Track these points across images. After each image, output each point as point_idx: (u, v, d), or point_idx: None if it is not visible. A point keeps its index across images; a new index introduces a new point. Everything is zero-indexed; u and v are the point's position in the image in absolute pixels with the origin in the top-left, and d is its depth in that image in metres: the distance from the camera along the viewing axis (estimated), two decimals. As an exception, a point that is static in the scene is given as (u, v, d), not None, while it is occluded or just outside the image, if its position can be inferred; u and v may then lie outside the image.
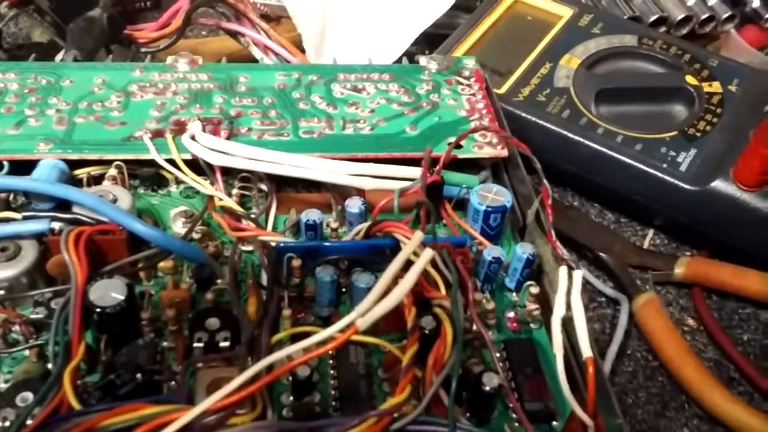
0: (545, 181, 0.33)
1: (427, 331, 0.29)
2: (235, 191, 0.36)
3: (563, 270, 0.29)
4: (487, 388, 0.28)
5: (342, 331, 0.25)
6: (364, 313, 0.25)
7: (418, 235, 0.27)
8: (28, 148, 0.35)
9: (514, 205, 0.36)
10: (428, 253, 0.27)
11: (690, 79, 0.50)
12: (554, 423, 0.29)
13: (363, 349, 0.31)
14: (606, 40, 0.53)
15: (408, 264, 0.28)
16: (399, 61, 0.52)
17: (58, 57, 0.49)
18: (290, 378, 0.29)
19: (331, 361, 0.30)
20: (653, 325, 0.42)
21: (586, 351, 0.26)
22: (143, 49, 0.53)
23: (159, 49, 0.52)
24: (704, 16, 0.60)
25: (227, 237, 0.35)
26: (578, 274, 0.28)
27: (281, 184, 0.38)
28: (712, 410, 0.39)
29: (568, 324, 0.29)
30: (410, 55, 0.48)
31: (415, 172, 0.36)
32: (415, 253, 0.29)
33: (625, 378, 0.41)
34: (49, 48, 0.53)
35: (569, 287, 0.28)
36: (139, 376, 0.27)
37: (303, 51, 0.55)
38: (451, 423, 0.26)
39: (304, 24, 0.57)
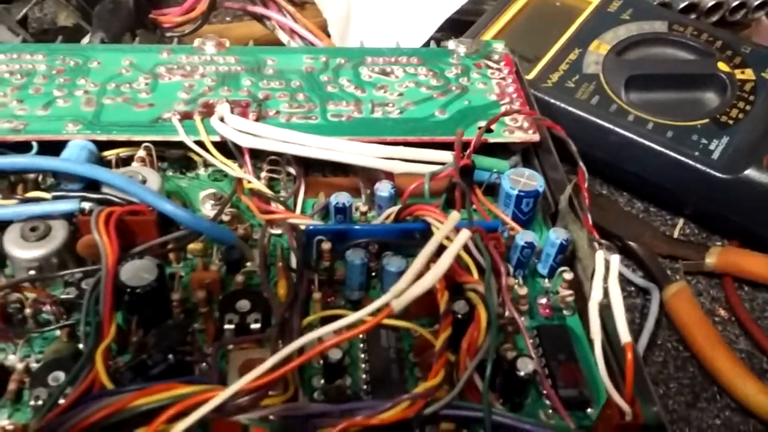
0: (581, 163, 0.33)
1: (459, 316, 0.29)
2: (263, 174, 0.36)
3: (600, 255, 0.29)
4: (522, 374, 0.27)
5: (376, 312, 0.25)
6: (399, 295, 0.24)
7: (455, 216, 0.27)
8: (57, 129, 0.35)
9: (545, 190, 0.35)
10: (465, 234, 0.26)
11: (722, 66, 0.50)
12: (588, 410, 0.29)
13: (394, 334, 0.30)
14: (636, 26, 0.53)
15: (440, 248, 0.28)
16: (426, 46, 0.52)
17: (85, 41, 0.49)
18: (321, 361, 0.29)
19: (362, 345, 0.30)
20: (684, 315, 0.41)
21: (625, 336, 0.26)
22: (168, 34, 0.53)
23: (184, 34, 0.52)
24: (735, 3, 0.59)
25: (256, 220, 0.34)
26: (615, 259, 0.28)
27: (308, 168, 0.37)
28: (745, 401, 0.38)
29: (603, 310, 0.29)
30: (435, 41, 0.47)
31: (445, 156, 0.36)
32: (448, 237, 0.28)
33: (655, 368, 0.40)
34: (74, 32, 0.53)
35: (606, 273, 0.28)
36: (170, 356, 0.27)
37: (328, 36, 0.54)
38: (486, 408, 0.26)
39: (330, 9, 0.57)
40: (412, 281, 0.25)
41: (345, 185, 0.37)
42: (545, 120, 0.36)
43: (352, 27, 0.58)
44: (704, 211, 0.47)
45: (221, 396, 0.23)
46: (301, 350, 0.26)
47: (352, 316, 0.25)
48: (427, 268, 0.26)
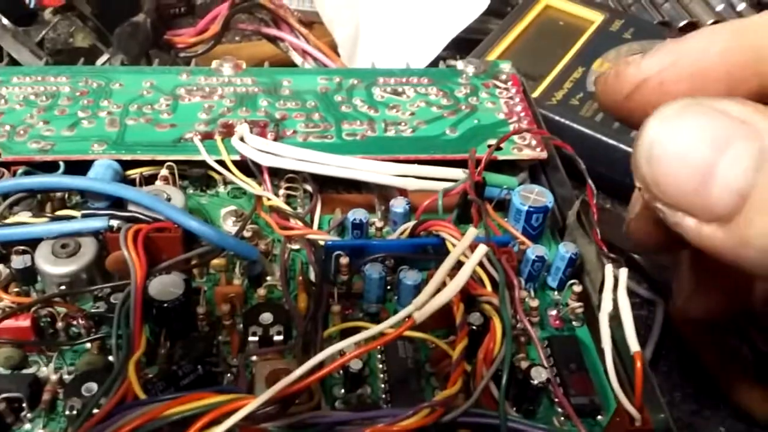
0: (590, 181, 0.34)
1: (474, 327, 0.30)
2: (281, 192, 0.37)
3: (609, 268, 0.30)
4: (535, 382, 0.28)
5: (398, 324, 0.26)
6: (421, 307, 0.26)
7: (472, 232, 0.28)
8: (83, 149, 0.37)
9: (554, 206, 0.37)
10: (482, 249, 0.27)
11: (721, 84, 0.51)
12: (599, 417, 0.30)
13: (411, 345, 0.31)
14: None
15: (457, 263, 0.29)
16: (433, 65, 0.53)
17: (99, 61, 0.51)
18: (341, 372, 0.30)
19: (380, 356, 0.31)
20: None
21: (634, 345, 0.27)
22: (182, 54, 0.54)
23: (196, 54, 0.54)
24: (733, 22, 0.60)
25: (275, 235, 0.36)
26: (623, 273, 0.29)
27: (323, 185, 0.39)
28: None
29: (612, 321, 0.30)
30: (442, 60, 0.49)
31: (457, 173, 0.37)
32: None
33: (660, 378, 0.41)
34: (89, 52, 0.54)
35: (615, 285, 0.29)
36: (199, 367, 0.28)
37: (338, 55, 0.56)
38: (502, 415, 0.27)
39: (339, 29, 0.58)
40: (433, 294, 0.26)
41: (359, 202, 0.38)
42: (555, 139, 0.38)
43: (360, 47, 0.59)
44: (706, 225, 0.48)
45: (253, 404, 0.24)
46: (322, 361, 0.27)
47: (377, 327, 0.26)
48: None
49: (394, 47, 0.58)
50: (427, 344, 0.32)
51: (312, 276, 0.34)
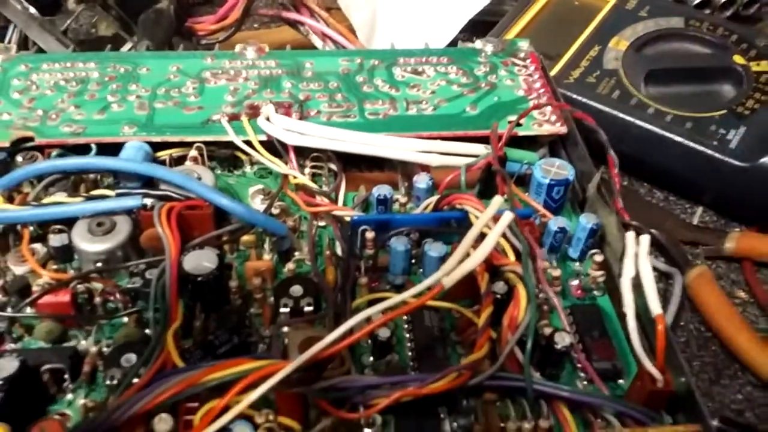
0: (611, 152, 0.35)
1: (499, 296, 0.31)
2: (307, 170, 0.38)
3: (631, 234, 0.31)
4: (559, 347, 0.29)
5: (426, 291, 0.27)
6: (449, 272, 0.26)
7: (498, 200, 0.29)
8: (114, 132, 0.38)
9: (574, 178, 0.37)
10: (508, 216, 0.28)
11: (738, 59, 0.51)
12: (620, 381, 0.31)
13: (436, 314, 0.32)
14: (653, 23, 0.55)
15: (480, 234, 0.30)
16: (450, 47, 0.54)
17: (123, 50, 0.52)
18: (369, 341, 0.31)
19: (406, 326, 0.32)
20: (706, 297, 0.43)
21: (656, 308, 0.28)
22: (203, 41, 0.55)
23: (218, 41, 0.55)
24: (748, -2, 0.61)
25: (302, 212, 0.37)
26: (646, 239, 0.30)
27: (347, 164, 0.39)
28: (766, 378, 0.40)
29: (633, 288, 0.31)
30: (457, 42, 0.49)
31: (478, 148, 0.38)
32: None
33: (679, 348, 0.42)
34: (112, 41, 0.55)
35: (637, 251, 0.30)
36: (235, 337, 0.29)
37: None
38: (528, 377, 0.28)
39: (356, 14, 0.59)
40: (460, 261, 0.27)
41: (382, 179, 0.39)
42: (576, 111, 0.38)
43: (378, 31, 0.60)
44: (723, 199, 0.49)
45: (289, 368, 0.25)
46: (352, 329, 0.28)
47: (406, 293, 0.27)
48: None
49: (412, 31, 0.59)
50: (451, 314, 0.33)
51: (339, 251, 0.35)
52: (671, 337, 0.29)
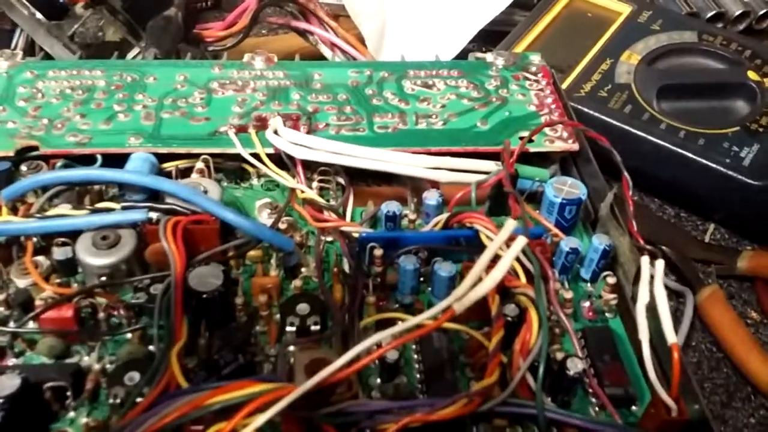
0: (625, 173, 0.34)
1: (510, 318, 0.30)
2: (314, 184, 0.38)
3: (645, 260, 0.30)
4: (571, 373, 0.29)
5: (437, 315, 0.27)
6: (461, 297, 0.26)
7: (511, 223, 0.28)
8: (120, 142, 0.37)
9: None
10: (521, 241, 0.28)
11: (752, 75, 0.51)
12: (633, 408, 0.30)
13: (445, 336, 0.32)
14: (666, 37, 0.54)
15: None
16: (459, 58, 0.53)
17: (129, 55, 0.51)
18: (377, 362, 0.30)
19: (414, 347, 0.32)
20: (718, 317, 0.43)
21: (671, 337, 0.27)
22: (210, 48, 0.55)
23: (225, 48, 0.54)
24: (762, 12, 0.60)
25: (309, 227, 0.36)
26: (660, 264, 0.29)
27: (354, 178, 0.39)
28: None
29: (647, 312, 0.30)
30: (467, 53, 0.49)
31: (489, 165, 0.37)
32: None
33: (690, 369, 0.41)
34: (117, 47, 0.55)
35: (652, 275, 0.29)
36: (240, 356, 0.29)
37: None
38: (539, 404, 0.27)
39: (366, 23, 0.59)
40: (472, 285, 0.26)
41: (390, 194, 0.39)
42: (589, 131, 0.38)
43: (387, 40, 0.60)
44: (735, 216, 0.49)
45: (296, 393, 0.25)
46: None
47: (417, 318, 0.27)
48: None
49: (421, 40, 0.58)
50: (460, 335, 0.32)
51: (346, 267, 0.34)
52: (685, 366, 0.29)
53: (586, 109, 0.49)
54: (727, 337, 0.42)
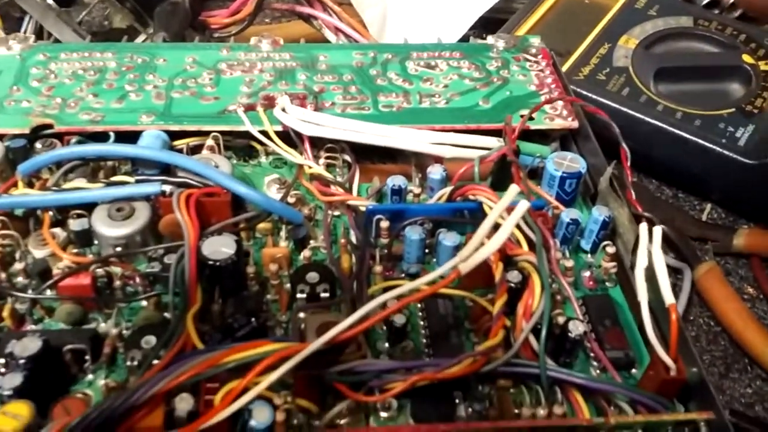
0: (624, 144, 0.35)
1: (513, 284, 0.31)
2: (321, 161, 0.39)
3: (644, 225, 0.31)
4: (573, 335, 0.30)
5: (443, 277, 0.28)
6: (466, 259, 0.27)
7: (514, 188, 0.29)
8: (132, 120, 0.38)
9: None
10: (524, 205, 0.29)
11: (746, 58, 0.52)
12: (633, 370, 0.31)
13: (450, 303, 0.33)
14: (663, 21, 0.55)
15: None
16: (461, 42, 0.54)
17: (138, 41, 0.52)
18: (384, 327, 0.31)
19: (420, 313, 0.33)
20: (715, 292, 0.44)
21: (669, 298, 0.28)
22: (216, 34, 0.56)
23: (230, 34, 0.55)
24: (757, -1, 0.61)
25: (317, 202, 0.37)
26: (658, 229, 0.30)
27: (360, 156, 0.40)
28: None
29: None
30: (467, 39, 0.50)
31: (491, 141, 0.38)
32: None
33: (690, 338, 0.43)
34: (125, 33, 0.56)
35: (650, 241, 0.30)
36: (253, 320, 0.30)
37: (369, 34, 0.57)
38: (542, 363, 0.28)
39: (368, 10, 0.60)
40: (477, 247, 0.27)
41: (395, 171, 0.40)
42: (589, 106, 0.39)
43: (389, 27, 0.61)
44: (731, 196, 0.50)
45: (308, 349, 0.26)
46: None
47: (424, 278, 0.28)
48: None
49: (422, 27, 0.59)
50: (464, 302, 0.33)
51: (353, 239, 0.35)
52: (683, 327, 0.30)
53: (584, 92, 0.51)
54: (725, 311, 0.43)
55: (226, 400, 0.26)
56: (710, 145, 0.48)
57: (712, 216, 0.50)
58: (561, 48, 0.54)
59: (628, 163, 0.35)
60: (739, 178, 0.47)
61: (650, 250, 0.30)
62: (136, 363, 0.29)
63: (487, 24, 0.60)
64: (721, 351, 0.42)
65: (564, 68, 0.52)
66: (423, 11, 0.60)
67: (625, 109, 0.50)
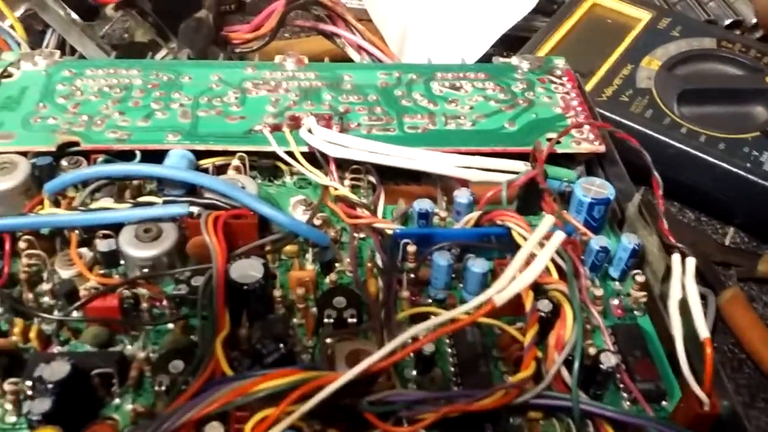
0: (655, 172, 0.35)
1: (543, 314, 0.31)
2: (346, 183, 0.39)
3: (676, 257, 0.31)
4: (605, 367, 0.29)
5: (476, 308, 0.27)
6: (501, 290, 0.27)
7: (549, 218, 0.29)
8: (159, 139, 0.38)
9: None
10: (559, 236, 0.28)
11: (771, 81, 0.52)
12: (663, 403, 0.31)
13: (478, 330, 0.33)
14: (685, 43, 0.55)
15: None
16: (481, 62, 0.54)
17: (158, 56, 0.52)
18: (412, 354, 0.31)
19: (448, 341, 0.32)
20: (740, 319, 0.43)
21: (704, 332, 0.28)
22: (237, 50, 0.56)
23: (252, 50, 0.55)
24: (779, 20, 0.61)
25: (343, 224, 0.37)
26: (691, 260, 0.30)
27: (383, 177, 0.40)
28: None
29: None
30: (488, 57, 0.49)
31: (518, 165, 0.38)
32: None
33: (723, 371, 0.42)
34: (146, 47, 0.56)
35: (683, 273, 0.30)
36: (282, 346, 0.29)
37: (391, 52, 0.57)
38: (575, 396, 0.28)
39: (388, 27, 0.60)
40: (512, 279, 0.27)
41: (420, 193, 0.39)
42: (618, 131, 0.39)
43: (409, 45, 0.61)
44: (755, 220, 0.49)
45: (341, 380, 0.26)
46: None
47: (457, 310, 0.27)
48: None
49: (443, 44, 0.59)
50: (493, 330, 0.33)
51: (379, 263, 0.35)
52: (716, 361, 0.29)
53: (608, 113, 0.50)
54: (749, 338, 0.43)
55: (257, 431, 0.26)
56: (734, 169, 0.47)
57: (736, 240, 0.50)
58: (583, 68, 0.53)
59: (660, 192, 0.34)
60: (763, 202, 0.47)
61: (684, 282, 0.29)
62: (164, 388, 0.29)
63: (509, 42, 0.60)
64: (746, 379, 0.42)
65: (587, 88, 0.52)
66: (444, 29, 0.60)
67: (648, 131, 0.50)
